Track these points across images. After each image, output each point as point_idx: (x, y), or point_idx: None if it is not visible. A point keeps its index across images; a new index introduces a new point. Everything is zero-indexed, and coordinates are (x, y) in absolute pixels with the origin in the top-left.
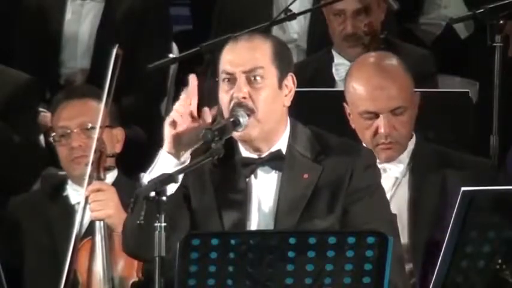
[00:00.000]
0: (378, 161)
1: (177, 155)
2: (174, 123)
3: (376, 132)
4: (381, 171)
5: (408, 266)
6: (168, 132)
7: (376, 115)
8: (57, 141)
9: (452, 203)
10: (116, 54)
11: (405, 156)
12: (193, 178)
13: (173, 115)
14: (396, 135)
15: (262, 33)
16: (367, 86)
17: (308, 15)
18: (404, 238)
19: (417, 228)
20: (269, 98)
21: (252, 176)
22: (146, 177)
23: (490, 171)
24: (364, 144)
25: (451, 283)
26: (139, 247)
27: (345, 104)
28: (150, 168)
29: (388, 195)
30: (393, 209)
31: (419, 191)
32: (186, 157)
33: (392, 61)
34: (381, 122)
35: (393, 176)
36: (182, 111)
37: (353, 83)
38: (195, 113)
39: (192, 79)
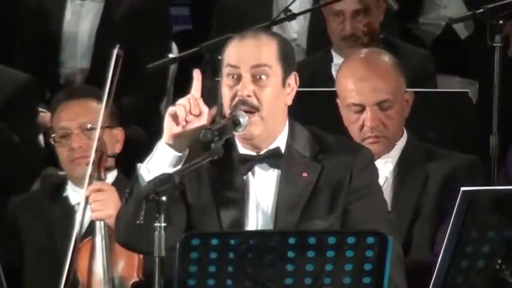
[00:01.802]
0: None
1: (175, 147)
2: (175, 117)
3: (362, 126)
4: None
5: None
6: (168, 124)
7: (363, 108)
8: (57, 142)
9: (431, 199)
10: (117, 55)
11: (395, 156)
12: (190, 176)
13: (177, 108)
14: (383, 130)
15: (267, 31)
16: (353, 78)
17: (308, 14)
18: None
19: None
20: (273, 96)
21: (250, 174)
22: (143, 168)
23: (472, 167)
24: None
25: (450, 283)
26: (132, 239)
27: (337, 100)
28: (147, 159)
29: None
30: None
31: (401, 188)
32: (185, 150)
33: (382, 56)
34: (367, 115)
35: (383, 176)
36: (186, 106)
37: (341, 76)
38: (198, 111)
39: (196, 73)
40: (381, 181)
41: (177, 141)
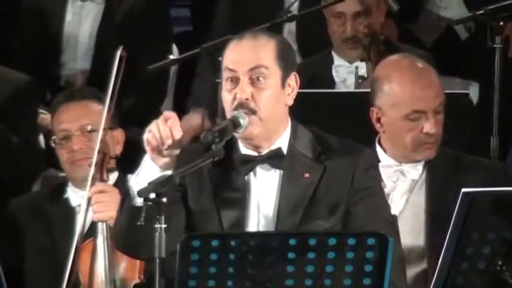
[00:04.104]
0: (396, 163)
1: (159, 166)
2: (148, 143)
3: (420, 133)
4: (399, 173)
5: (422, 267)
6: (146, 147)
7: (422, 115)
8: (57, 144)
9: None
10: (120, 56)
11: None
12: (191, 177)
13: (150, 138)
14: (438, 134)
15: (266, 31)
16: (414, 86)
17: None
18: (420, 240)
19: (435, 231)
20: (272, 98)
21: (252, 174)
22: (133, 180)
23: (506, 174)
24: (378, 146)
25: (451, 285)
26: (129, 248)
27: (373, 109)
28: (136, 172)
29: (404, 197)
30: (409, 210)
31: (438, 194)
32: (170, 168)
33: (421, 61)
34: (430, 121)
35: (410, 179)
36: (157, 137)
37: (395, 85)
38: (171, 141)
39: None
40: (408, 184)
41: (160, 162)
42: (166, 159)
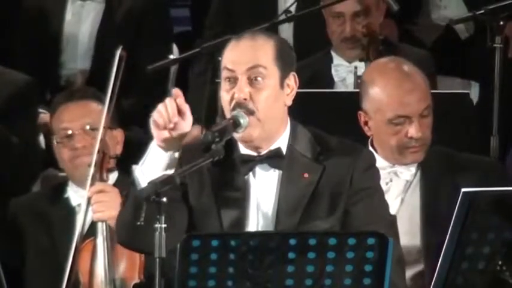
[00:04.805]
0: (390, 164)
1: (168, 148)
2: (156, 123)
3: (405, 137)
4: (393, 175)
5: (419, 268)
6: (153, 130)
7: (406, 119)
8: (59, 143)
9: None
10: (120, 56)
11: None
12: (192, 176)
13: (155, 117)
14: (424, 137)
15: (265, 32)
16: (398, 91)
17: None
18: (417, 240)
19: (431, 230)
20: (270, 98)
21: (251, 174)
22: (138, 170)
23: (500, 171)
24: (371, 148)
25: (451, 284)
26: (132, 241)
27: (360, 112)
28: (141, 161)
29: (399, 198)
30: (405, 211)
31: (432, 194)
32: (179, 149)
33: (409, 64)
34: (414, 125)
35: (404, 179)
36: (164, 115)
37: (379, 89)
38: (176, 118)
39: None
40: (402, 184)
41: (168, 144)
42: (174, 141)
